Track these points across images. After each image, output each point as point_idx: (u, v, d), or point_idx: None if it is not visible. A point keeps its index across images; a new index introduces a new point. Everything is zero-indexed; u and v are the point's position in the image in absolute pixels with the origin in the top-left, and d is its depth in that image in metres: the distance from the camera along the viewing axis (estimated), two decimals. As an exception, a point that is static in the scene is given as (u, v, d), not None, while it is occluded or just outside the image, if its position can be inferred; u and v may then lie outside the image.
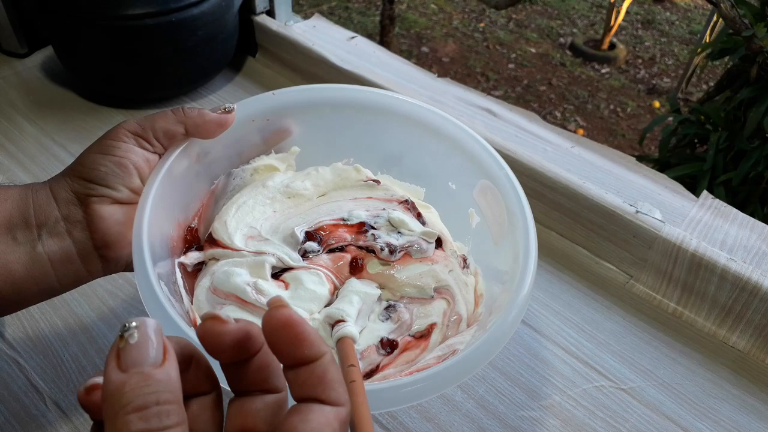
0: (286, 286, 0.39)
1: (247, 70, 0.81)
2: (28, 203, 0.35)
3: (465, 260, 0.44)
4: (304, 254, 0.41)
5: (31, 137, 0.67)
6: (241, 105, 0.42)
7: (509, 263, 0.38)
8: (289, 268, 0.40)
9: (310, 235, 0.42)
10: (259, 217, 0.43)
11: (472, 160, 0.43)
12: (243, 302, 0.37)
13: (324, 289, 0.39)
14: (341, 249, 0.42)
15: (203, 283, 0.39)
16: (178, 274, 0.39)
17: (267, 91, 0.44)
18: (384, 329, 0.39)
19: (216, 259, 0.41)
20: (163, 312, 0.32)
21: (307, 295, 0.38)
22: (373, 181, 0.46)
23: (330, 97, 0.45)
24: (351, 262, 0.41)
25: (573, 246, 0.58)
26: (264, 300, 0.37)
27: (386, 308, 0.41)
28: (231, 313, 0.37)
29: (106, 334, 0.49)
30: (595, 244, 0.57)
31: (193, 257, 0.41)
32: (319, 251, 0.41)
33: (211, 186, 0.44)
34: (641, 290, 0.55)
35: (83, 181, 0.35)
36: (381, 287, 0.41)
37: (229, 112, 0.40)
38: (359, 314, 0.38)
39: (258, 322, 0.37)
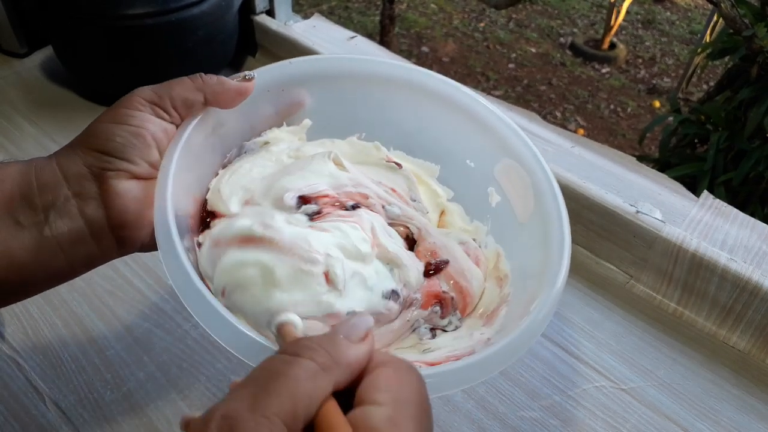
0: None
1: (247, 70, 0.81)
2: (30, 182, 0.31)
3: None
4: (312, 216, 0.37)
5: (31, 137, 0.67)
6: (257, 73, 0.40)
7: (539, 241, 0.38)
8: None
9: (304, 200, 0.37)
10: (257, 176, 0.39)
11: (495, 138, 0.42)
12: (246, 241, 0.34)
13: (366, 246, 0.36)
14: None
15: (204, 250, 0.36)
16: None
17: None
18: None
19: None
20: (198, 296, 0.29)
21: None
22: (395, 164, 0.43)
23: (347, 68, 0.43)
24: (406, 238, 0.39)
25: (573, 246, 0.58)
26: (272, 235, 0.34)
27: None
28: (230, 256, 0.34)
29: (106, 334, 0.48)
30: (595, 244, 0.57)
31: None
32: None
33: (224, 159, 0.41)
34: (641, 290, 0.55)
35: (98, 153, 0.32)
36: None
37: (249, 80, 0.38)
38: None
39: (266, 255, 0.33)
